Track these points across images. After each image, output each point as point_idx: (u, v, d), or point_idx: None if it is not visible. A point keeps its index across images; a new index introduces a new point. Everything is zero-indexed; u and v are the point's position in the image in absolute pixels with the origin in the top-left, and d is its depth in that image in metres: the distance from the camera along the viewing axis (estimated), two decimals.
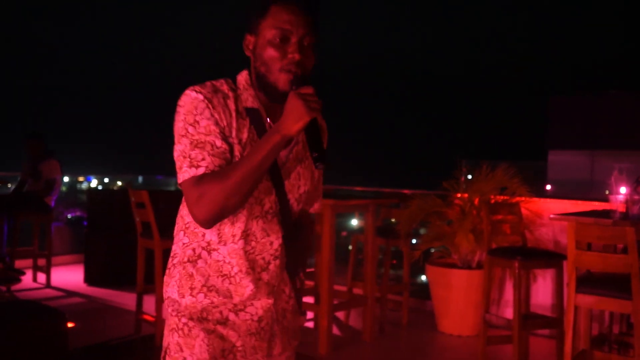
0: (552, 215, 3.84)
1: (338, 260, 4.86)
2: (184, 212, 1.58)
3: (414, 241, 5.36)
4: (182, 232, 1.56)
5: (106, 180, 10.89)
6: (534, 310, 4.74)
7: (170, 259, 1.60)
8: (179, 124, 1.47)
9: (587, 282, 3.31)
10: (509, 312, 4.89)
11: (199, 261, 1.52)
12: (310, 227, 1.72)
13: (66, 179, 8.83)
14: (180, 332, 1.52)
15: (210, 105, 1.46)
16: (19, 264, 6.23)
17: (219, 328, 1.52)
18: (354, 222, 7.59)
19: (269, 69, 1.48)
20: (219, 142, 1.44)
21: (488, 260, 4.25)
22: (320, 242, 4.35)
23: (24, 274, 5.75)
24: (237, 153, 1.47)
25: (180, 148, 1.46)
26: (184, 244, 1.55)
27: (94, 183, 10.54)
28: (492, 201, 4.91)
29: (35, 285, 6.22)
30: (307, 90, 1.40)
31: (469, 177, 5.36)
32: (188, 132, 1.45)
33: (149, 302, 4.84)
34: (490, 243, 4.47)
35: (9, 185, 7.00)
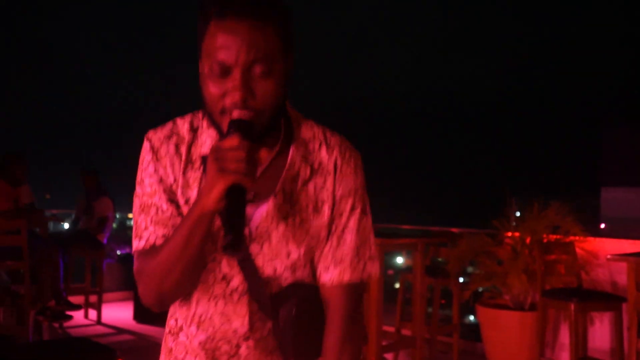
0: (609, 256, 3.71)
1: (385, 300, 4.79)
2: None
3: (462, 280, 5.25)
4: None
5: None
6: (591, 354, 4.55)
7: None
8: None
9: None
10: (564, 357, 4.70)
11: (181, 334, 1.26)
12: (316, 304, 1.22)
13: (117, 215, 9.03)
14: None
15: (155, 158, 1.19)
16: (71, 300, 6.34)
17: None
18: (400, 260, 7.50)
19: (211, 110, 1.13)
20: (165, 205, 1.18)
21: (542, 302, 4.12)
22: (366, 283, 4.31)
23: (80, 308, 5.86)
24: (184, 212, 1.18)
25: (133, 210, 1.22)
26: (169, 313, 1.30)
27: None
28: (545, 240, 4.78)
29: (86, 321, 6.32)
30: (229, 142, 1.03)
31: (518, 214, 5.25)
32: (137, 192, 1.21)
33: None
34: (544, 284, 4.34)
35: (64, 224, 7.19)
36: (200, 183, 1.17)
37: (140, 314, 6.41)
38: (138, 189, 1.21)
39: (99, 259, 6.44)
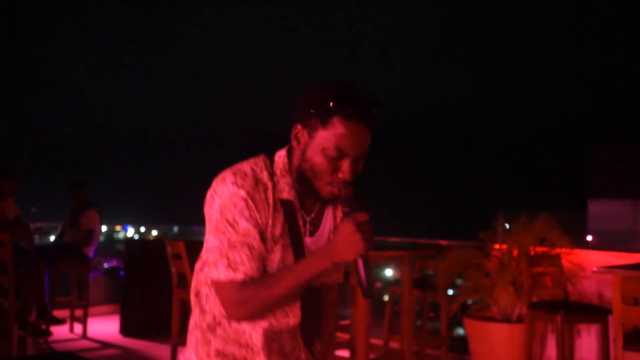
0: (595, 269, 3.73)
1: (373, 312, 4.77)
2: (202, 277, 1.58)
3: (450, 292, 5.25)
4: (204, 298, 1.57)
5: (142, 229, 11.03)
6: None
7: (190, 321, 1.61)
8: (216, 216, 1.47)
9: (636, 339, 3.18)
10: None
11: (218, 329, 1.54)
12: (328, 299, 1.65)
13: (104, 228, 8.97)
14: None
15: (251, 205, 1.45)
16: (56, 314, 6.27)
17: None
18: (389, 272, 7.49)
19: (316, 176, 1.46)
20: (256, 244, 1.45)
21: (529, 314, 4.13)
22: (355, 294, 4.29)
23: (64, 322, 5.80)
24: (268, 247, 1.47)
25: (216, 244, 1.47)
26: (202, 309, 1.57)
27: (130, 232, 10.69)
28: (532, 253, 4.80)
29: (72, 336, 6.25)
30: (362, 217, 1.38)
31: (507, 227, 5.27)
32: (227, 230, 1.45)
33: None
34: (531, 296, 4.34)
35: (50, 237, 7.13)
36: (281, 223, 1.48)
37: (127, 328, 6.35)
38: (229, 228, 1.45)
39: (85, 272, 6.38)
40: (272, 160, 1.53)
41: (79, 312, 6.45)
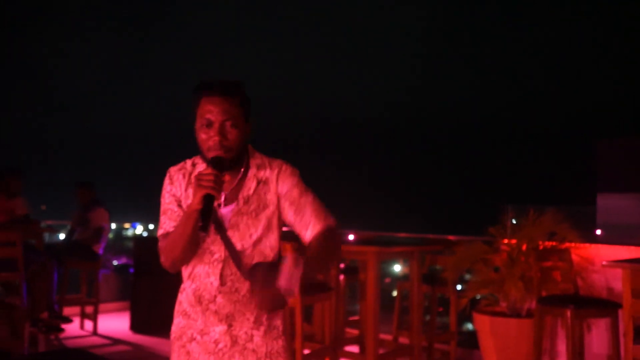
0: (605, 262, 3.72)
1: (382, 308, 4.77)
2: None
3: (459, 287, 5.24)
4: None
5: (151, 226, 11.07)
6: None
7: None
8: None
9: None
10: None
11: (184, 292, 2.02)
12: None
13: (113, 225, 9.01)
14: (171, 347, 2.03)
15: (170, 181, 1.99)
16: (67, 311, 6.32)
17: (187, 345, 1.97)
18: (397, 268, 7.48)
19: (202, 149, 1.91)
20: (175, 208, 1.97)
21: (539, 308, 4.12)
22: (364, 290, 4.30)
23: (71, 321, 5.83)
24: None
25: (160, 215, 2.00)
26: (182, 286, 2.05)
27: (139, 229, 10.72)
28: (541, 247, 4.79)
29: (82, 332, 6.29)
30: (205, 170, 1.82)
31: (514, 222, 5.25)
32: (161, 203, 2.00)
33: None
34: (540, 291, 4.34)
35: (60, 234, 7.17)
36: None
37: (137, 325, 6.38)
38: (162, 200, 2.00)
39: (94, 269, 6.42)
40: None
41: (89, 309, 6.49)
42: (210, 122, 1.86)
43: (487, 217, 5.35)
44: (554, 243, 4.84)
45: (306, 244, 1.95)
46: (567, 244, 4.78)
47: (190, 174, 1.97)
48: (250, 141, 2.01)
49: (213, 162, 1.84)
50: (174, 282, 5.99)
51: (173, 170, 2.00)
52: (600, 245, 4.93)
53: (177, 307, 2.03)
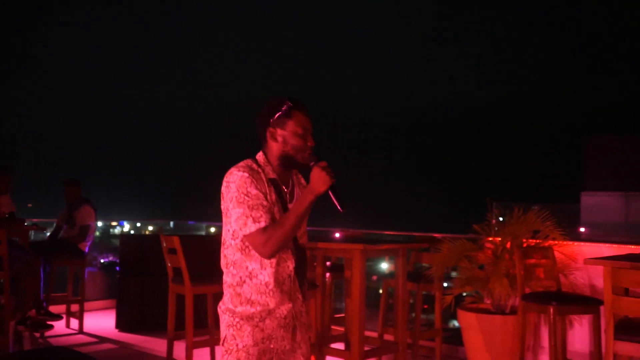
0: (587, 260, 3.77)
1: (369, 305, 4.80)
2: (227, 252, 2.30)
3: (445, 285, 5.28)
4: (231, 266, 2.29)
5: (138, 224, 11.03)
6: (571, 357, 4.60)
7: (223, 282, 2.35)
8: (235, 194, 2.22)
9: (627, 328, 3.22)
10: (544, 359, 4.76)
11: (244, 285, 2.27)
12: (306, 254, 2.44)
13: (100, 223, 8.97)
14: (234, 327, 2.26)
15: (254, 180, 2.22)
16: (52, 309, 6.30)
17: (260, 324, 2.25)
18: (384, 265, 7.52)
19: (297, 152, 2.29)
20: (265, 203, 2.22)
21: (522, 305, 4.17)
22: (350, 287, 4.33)
23: (61, 318, 5.82)
24: (272, 209, 2.24)
25: (240, 212, 2.21)
26: (232, 274, 2.29)
27: (126, 227, 10.69)
28: (525, 245, 4.84)
29: (68, 331, 6.27)
30: (324, 164, 2.20)
31: (501, 219, 5.30)
32: (245, 199, 2.21)
33: (179, 348, 4.84)
34: (524, 288, 4.39)
35: (46, 232, 7.14)
36: (274, 192, 2.28)
37: (123, 323, 6.38)
38: (246, 197, 2.20)
39: (80, 267, 6.40)
40: (254, 160, 2.33)
41: (75, 307, 6.47)
42: (307, 130, 2.30)
43: (472, 214, 5.39)
44: (537, 241, 4.90)
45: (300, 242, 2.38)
46: (550, 242, 4.84)
47: (263, 174, 2.28)
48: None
49: (317, 158, 2.25)
50: (160, 281, 5.99)
51: (248, 171, 2.24)
52: (582, 243, 4.99)
53: (236, 299, 2.27)
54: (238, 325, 2.25)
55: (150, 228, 10.67)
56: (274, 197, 2.26)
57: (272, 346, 2.27)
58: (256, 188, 2.21)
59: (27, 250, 5.66)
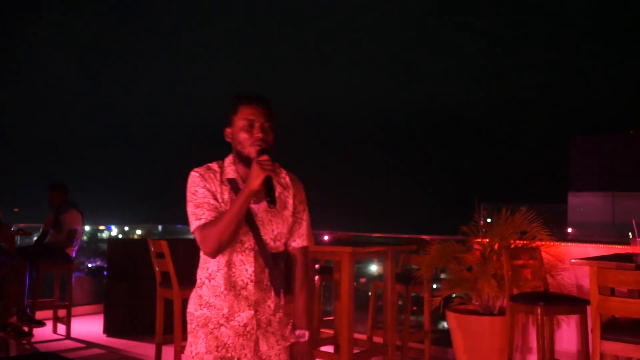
0: (573, 260, 3.79)
1: (358, 308, 4.80)
2: (201, 253, 2.23)
3: (434, 286, 5.30)
4: (198, 268, 2.27)
5: (126, 228, 10.97)
6: (559, 357, 4.63)
7: None
8: (187, 193, 2.22)
9: (613, 328, 3.25)
10: None
11: (204, 287, 2.23)
12: (294, 259, 2.33)
13: (87, 227, 8.91)
14: (191, 333, 2.25)
15: (204, 179, 2.21)
16: (39, 315, 6.24)
17: (215, 331, 2.20)
18: (373, 268, 7.52)
19: (244, 146, 2.20)
20: (212, 201, 2.18)
21: (510, 306, 4.18)
22: (339, 290, 4.33)
23: (44, 325, 5.76)
24: (223, 208, 2.18)
25: (189, 208, 2.20)
26: (198, 275, 2.27)
27: (114, 232, 10.63)
28: (512, 246, 4.87)
29: (55, 336, 6.22)
30: (263, 158, 2.10)
31: (489, 221, 5.32)
32: (192, 197, 2.20)
33: (167, 353, 4.82)
34: (512, 289, 4.40)
35: (34, 237, 7.07)
36: (229, 192, 2.21)
37: (110, 328, 6.33)
38: (193, 196, 2.19)
39: (67, 272, 6.35)
40: (222, 161, 2.30)
41: (62, 313, 6.42)
42: (253, 122, 2.19)
43: (460, 216, 5.41)
44: (525, 242, 4.93)
45: (289, 247, 2.32)
46: (537, 243, 4.87)
47: (220, 175, 2.24)
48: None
49: (264, 151, 2.15)
50: (148, 285, 5.95)
51: (201, 170, 2.23)
52: (569, 244, 5.02)
53: (197, 301, 2.24)
54: (194, 332, 2.23)
55: (139, 232, 10.62)
56: (226, 196, 2.21)
57: (229, 355, 2.18)
58: (204, 187, 2.18)
59: (13, 255, 5.61)
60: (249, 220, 2.19)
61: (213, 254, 2.15)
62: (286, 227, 2.27)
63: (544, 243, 4.87)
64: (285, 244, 2.30)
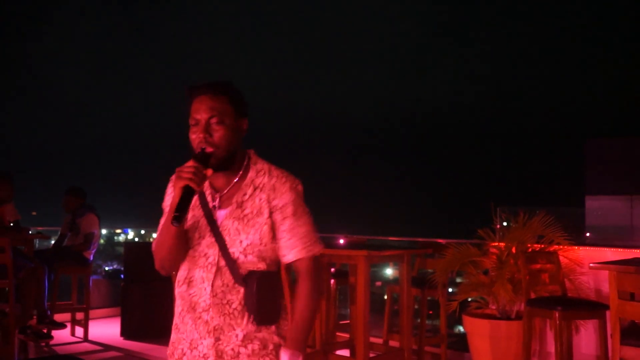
0: (592, 264, 3.76)
1: (374, 311, 4.79)
2: None
3: (450, 290, 5.27)
4: None
5: (143, 232, 11.04)
6: None
7: None
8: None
9: (633, 333, 3.21)
10: None
11: (176, 300, 1.94)
12: (296, 275, 1.90)
13: (104, 231, 8.98)
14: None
15: (171, 184, 1.94)
16: (57, 318, 6.29)
17: None
18: (389, 271, 7.50)
19: (193, 149, 1.85)
20: (167, 209, 1.87)
21: (527, 310, 4.15)
22: (354, 293, 4.32)
23: (65, 327, 5.81)
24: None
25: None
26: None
27: (130, 235, 10.69)
28: (530, 250, 4.83)
29: (73, 339, 6.27)
30: (186, 163, 1.77)
31: (505, 224, 5.29)
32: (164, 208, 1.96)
33: None
34: (529, 293, 4.37)
35: (50, 241, 7.14)
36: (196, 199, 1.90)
37: (127, 331, 6.37)
38: (163, 204, 1.97)
39: (85, 275, 6.40)
40: None
41: (79, 315, 6.47)
42: (197, 120, 1.83)
43: (476, 220, 5.38)
44: (542, 245, 4.89)
45: (283, 263, 1.90)
46: (555, 247, 4.83)
47: None
48: (251, 145, 1.98)
49: (195, 156, 1.79)
50: (165, 288, 5.98)
51: (175, 175, 1.91)
52: (587, 248, 4.97)
53: (173, 320, 1.96)
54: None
55: (154, 235, 10.67)
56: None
57: None
58: (170, 193, 1.94)
59: (32, 258, 5.66)
60: (213, 230, 1.84)
61: (160, 271, 1.92)
62: (260, 237, 1.84)
63: (561, 247, 4.83)
64: (269, 259, 1.87)
